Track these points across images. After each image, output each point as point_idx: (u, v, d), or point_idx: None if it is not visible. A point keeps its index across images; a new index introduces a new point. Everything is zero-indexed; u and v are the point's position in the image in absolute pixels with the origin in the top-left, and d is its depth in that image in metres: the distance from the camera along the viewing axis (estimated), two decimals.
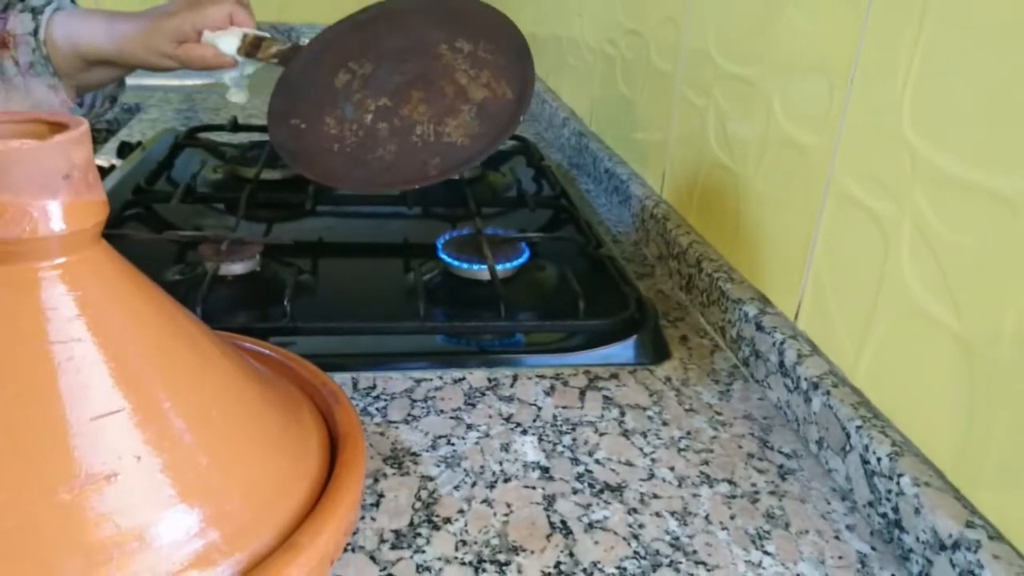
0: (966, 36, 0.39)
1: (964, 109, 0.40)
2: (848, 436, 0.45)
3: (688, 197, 0.73)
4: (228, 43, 0.66)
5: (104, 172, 0.88)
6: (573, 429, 0.50)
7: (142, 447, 0.31)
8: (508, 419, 0.50)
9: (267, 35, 0.68)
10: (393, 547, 0.40)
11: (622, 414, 0.52)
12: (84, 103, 0.74)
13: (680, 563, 0.40)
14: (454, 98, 0.60)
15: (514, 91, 0.61)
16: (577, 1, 1.10)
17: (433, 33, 0.64)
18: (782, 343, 0.52)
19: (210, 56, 0.66)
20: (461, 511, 0.42)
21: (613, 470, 0.46)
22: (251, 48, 0.67)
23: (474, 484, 0.44)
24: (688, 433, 0.50)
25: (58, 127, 0.32)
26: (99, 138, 1.24)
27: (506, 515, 0.42)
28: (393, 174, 0.61)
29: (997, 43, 0.37)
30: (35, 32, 0.65)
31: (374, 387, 0.52)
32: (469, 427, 0.49)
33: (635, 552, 0.40)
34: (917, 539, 0.39)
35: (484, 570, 0.39)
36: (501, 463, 0.46)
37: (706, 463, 0.47)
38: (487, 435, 0.49)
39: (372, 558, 0.39)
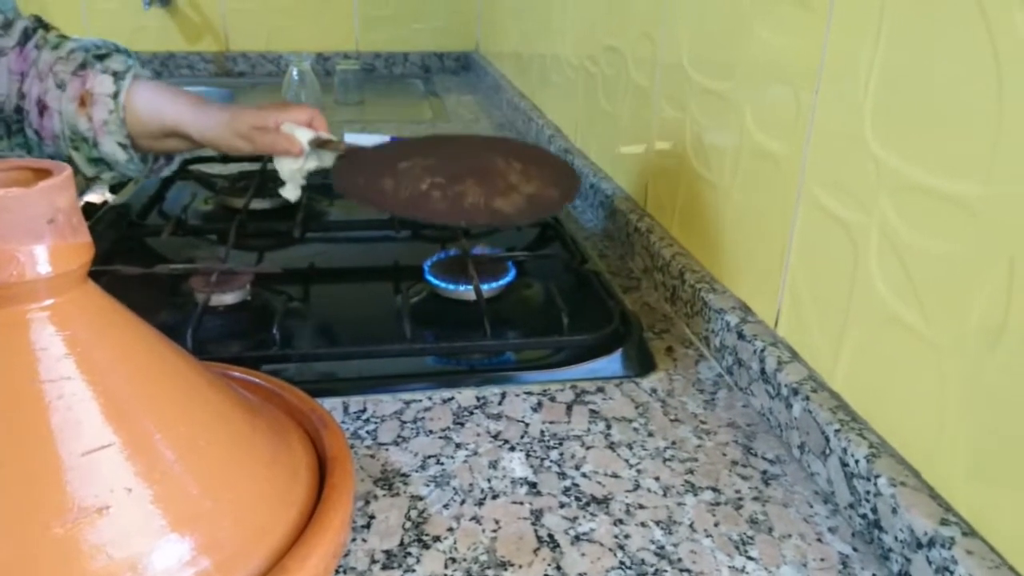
0: (920, 45, 0.41)
1: (921, 116, 0.41)
2: (827, 440, 0.46)
3: (671, 210, 0.74)
4: (303, 134, 0.72)
5: (97, 208, 0.89)
6: (560, 444, 0.51)
7: (133, 479, 0.32)
8: (496, 436, 0.51)
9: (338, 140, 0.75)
10: (384, 567, 0.40)
11: (608, 427, 0.52)
12: (146, 160, 0.78)
13: (665, 571, 0.41)
14: (505, 188, 0.68)
15: (560, 193, 0.69)
16: (559, 19, 1.11)
17: (492, 153, 0.73)
18: (763, 351, 0.54)
19: (282, 141, 0.72)
20: (450, 529, 0.43)
21: (599, 483, 0.47)
22: (322, 144, 0.73)
23: (463, 502, 0.45)
24: (673, 443, 0.51)
25: (42, 173, 0.33)
26: None
27: (494, 531, 0.43)
28: (436, 214, 0.66)
29: (948, 52, 0.39)
30: (115, 95, 0.70)
31: (364, 410, 0.53)
32: (458, 446, 0.50)
33: (621, 562, 0.41)
34: (895, 538, 0.40)
35: None
36: (489, 480, 0.47)
37: (691, 472, 0.48)
38: (476, 453, 0.50)
39: None
